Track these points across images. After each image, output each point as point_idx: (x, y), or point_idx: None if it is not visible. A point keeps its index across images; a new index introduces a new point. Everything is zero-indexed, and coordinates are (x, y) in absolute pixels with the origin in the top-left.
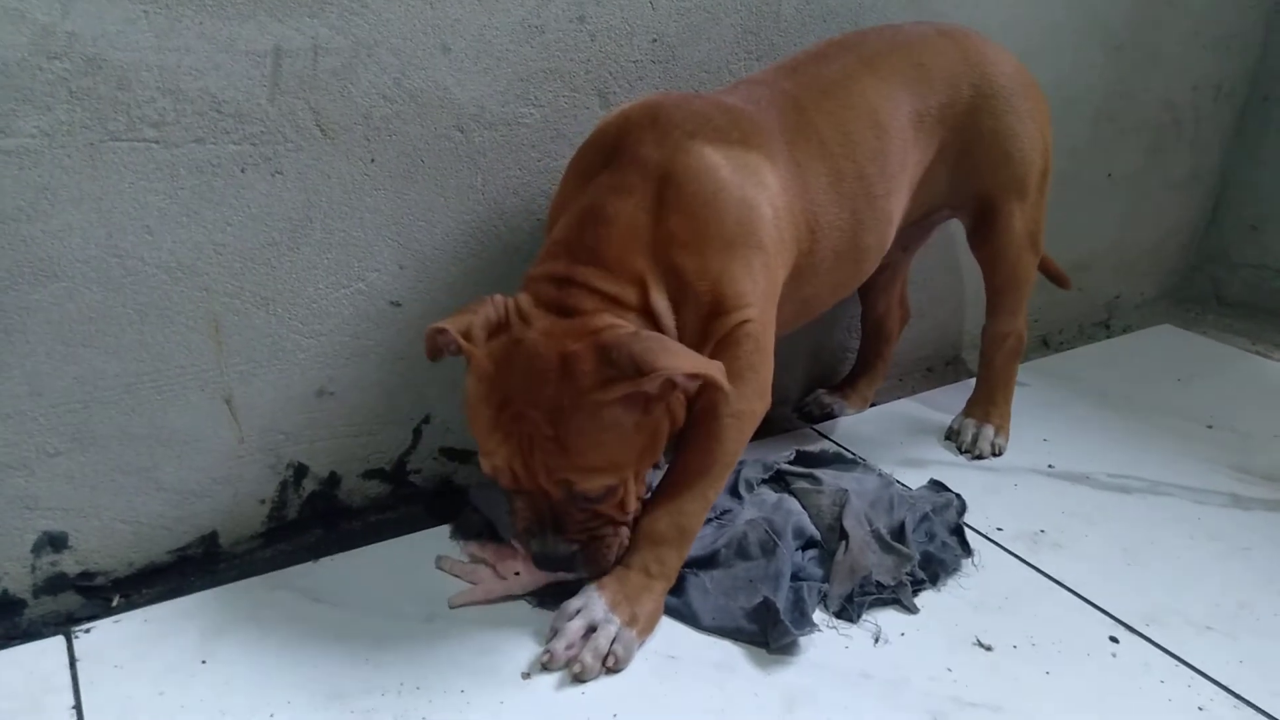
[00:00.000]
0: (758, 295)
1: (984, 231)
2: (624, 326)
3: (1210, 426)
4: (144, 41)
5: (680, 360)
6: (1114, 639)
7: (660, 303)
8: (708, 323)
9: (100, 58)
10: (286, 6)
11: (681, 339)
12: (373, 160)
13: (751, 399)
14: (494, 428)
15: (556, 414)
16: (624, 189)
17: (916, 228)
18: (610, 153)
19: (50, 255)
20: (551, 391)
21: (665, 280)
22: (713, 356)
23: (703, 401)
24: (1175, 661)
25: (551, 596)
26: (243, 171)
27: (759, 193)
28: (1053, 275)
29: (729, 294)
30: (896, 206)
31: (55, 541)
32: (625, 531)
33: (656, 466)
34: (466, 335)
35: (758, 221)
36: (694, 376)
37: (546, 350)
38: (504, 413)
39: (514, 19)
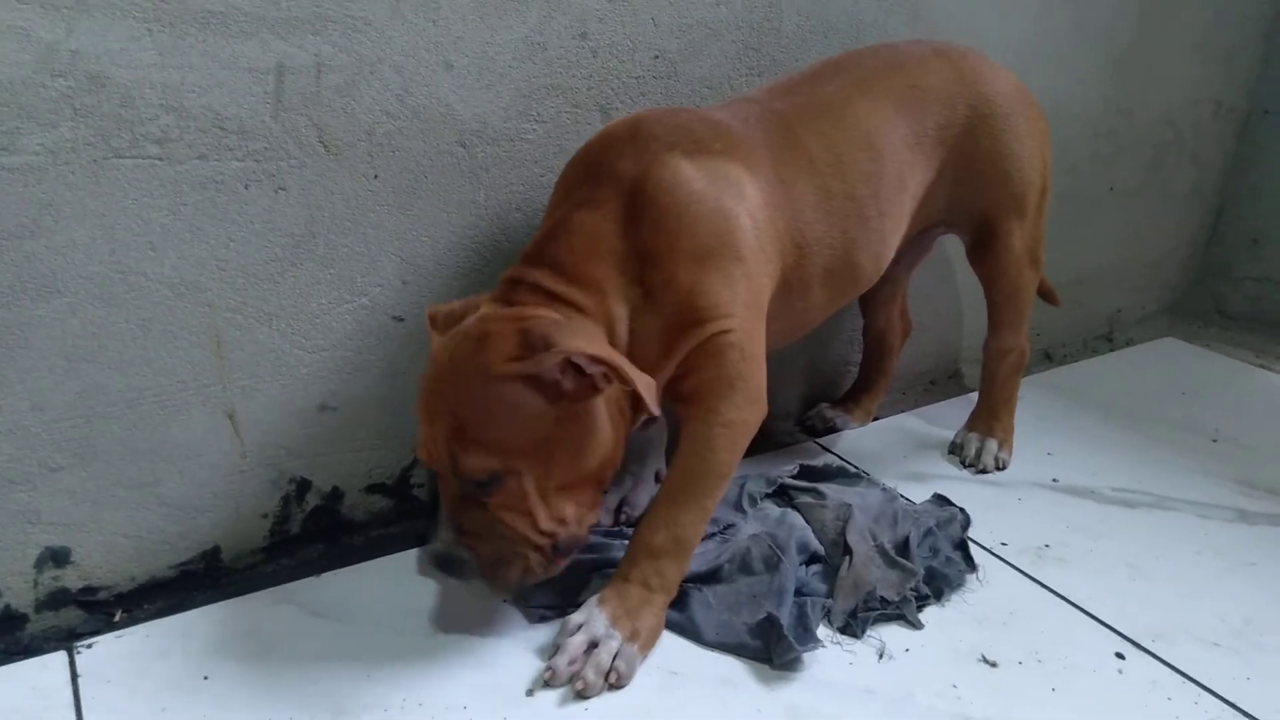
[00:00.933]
0: (738, 305)
1: (984, 250)
2: (555, 317)
3: (1215, 440)
4: (147, 59)
5: (580, 342)
6: (1120, 655)
7: (617, 310)
8: (678, 333)
9: (104, 75)
10: (290, 24)
11: (640, 349)
12: (376, 176)
13: (743, 408)
14: (422, 403)
15: (460, 382)
16: (594, 202)
17: (914, 244)
18: (591, 167)
19: (54, 271)
20: (463, 365)
21: (631, 290)
22: (694, 367)
23: (692, 411)
24: (1182, 678)
25: (552, 609)
26: (246, 188)
27: (737, 203)
28: (1043, 292)
29: (704, 305)
30: (892, 227)
31: (57, 556)
32: (537, 558)
33: (658, 479)
34: (434, 321)
35: (735, 232)
36: (595, 360)
37: (474, 332)
38: (428, 387)
39: (516, 36)
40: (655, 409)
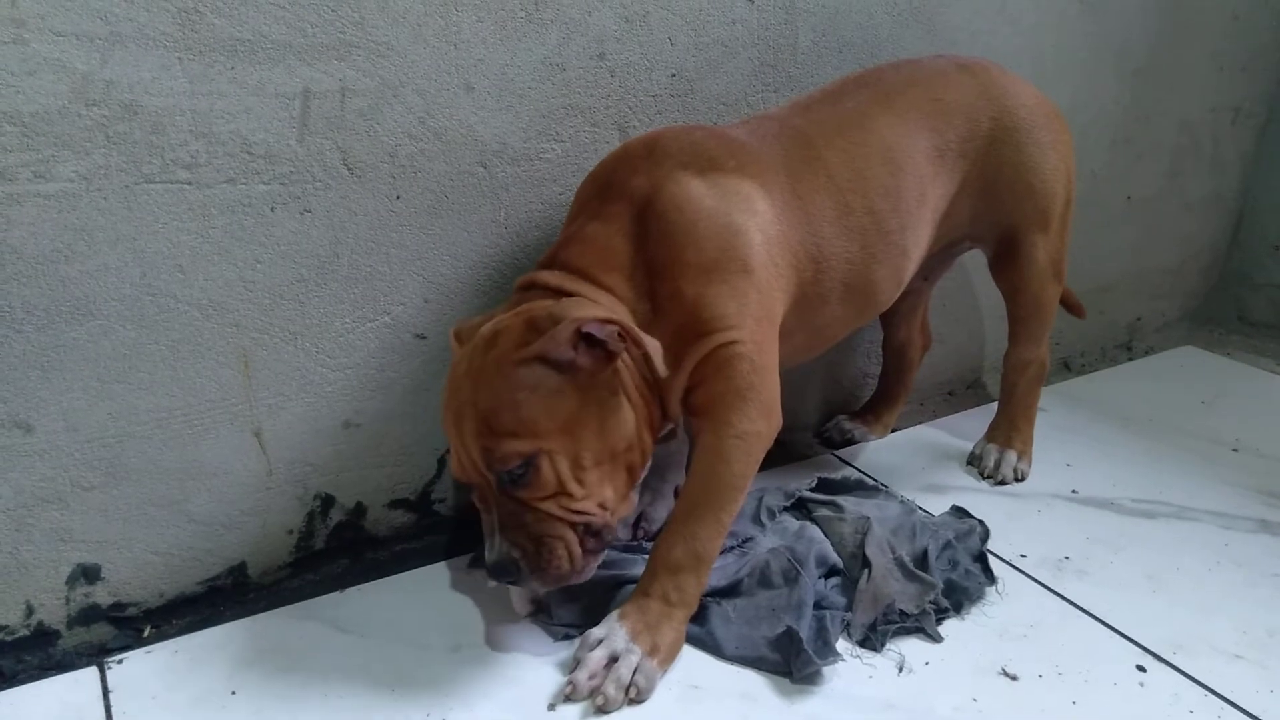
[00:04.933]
0: (746, 317)
1: (1007, 262)
2: (556, 302)
3: (1236, 449)
4: (178, 87)
5: (590, 310)
6: (1141, 668)
7: (626, 319)
8: (685, 345)
9: (136, 104)
10: (315, 50)
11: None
12: (398, 197)
13: (755, 419)
14: (447, 416)
15: (478, 380)
16: (607, 216)
17: (937, 258)
18: (605, 183)
19: (87, 294)
20: (479, 363)
21: (640, 303)
22: (703, 379)
23: (705, 424)
24: (1204, 691)
25: (575, 627)
26: (272, 210)
27: (748, 219)
28: (1068, 304)
29: (709, 317)
30: (913, 242)
31: (89, 573)
32: (572, 536)
33: (677, 494)
34: (459, 338)
35: (744, 246)
36: (606, 321)
37: (486, 333)
38: (449, 399)
39: (536, 57)
40: (662, 369)
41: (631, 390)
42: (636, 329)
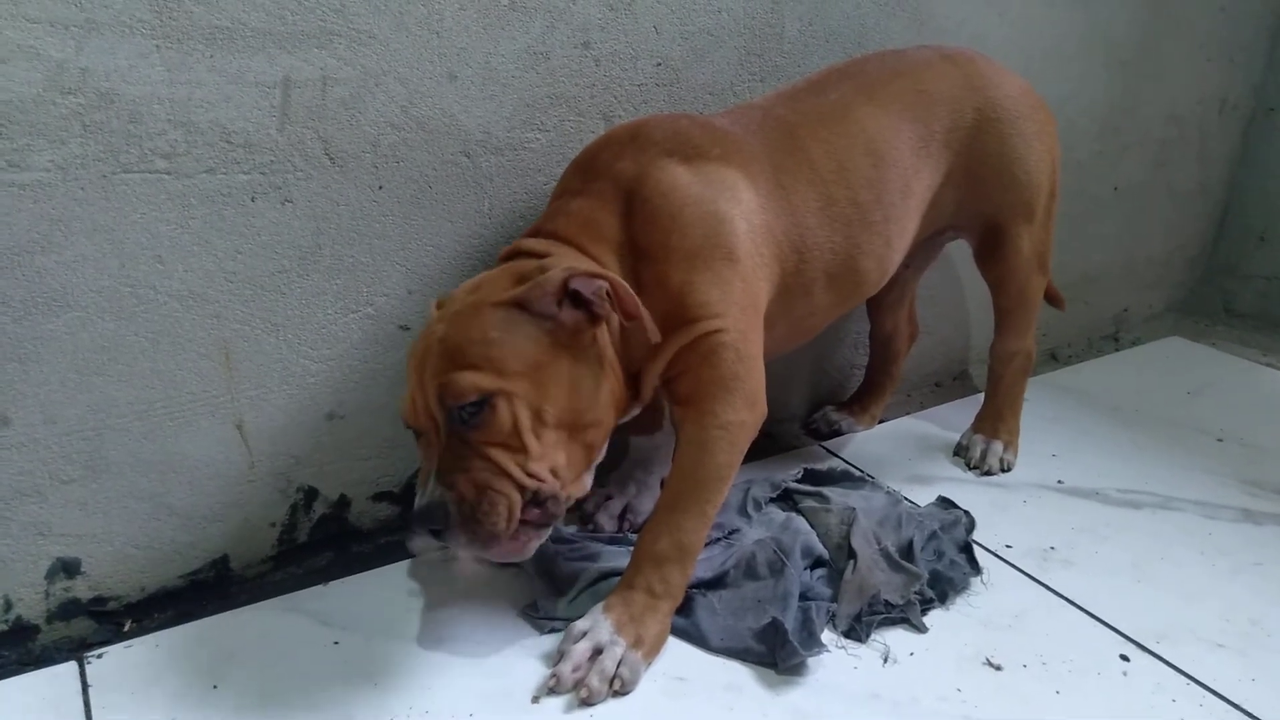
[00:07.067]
0: (730, 305)
1: (992, 254)
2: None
3: (1220, 440)
4: (155, 75)
5: (576, 262)
6: (1125, 657)
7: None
8: (669, 331)
9: (113, 92)
10: (295, 38)
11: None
12: (381, 187)
13: (740, 409)
14: (410, 359)
15: (454, 319)
16: (592, 193)
17: (923, 248)
18: (589, 165)
19: (64, 285)
20: (456, 309)
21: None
22: (688, 368)
23: (689, 414)
24: (1187, 680)
25: (560, 620)
26: (253, 200)
27: (732, 207)
28: (1049, 296)
29: (693, 304)
30: (897, 232)
31: (68, 567)
32: (517, 498)
33: (663, 486)
34: (440, 306)
35: (728, 234)
36: (596, 276)
37: (468, 285)
38: (416, 347)
39: (519, 46)
40: (655, 334)
41: (607, 365)
42: (626, 286)
